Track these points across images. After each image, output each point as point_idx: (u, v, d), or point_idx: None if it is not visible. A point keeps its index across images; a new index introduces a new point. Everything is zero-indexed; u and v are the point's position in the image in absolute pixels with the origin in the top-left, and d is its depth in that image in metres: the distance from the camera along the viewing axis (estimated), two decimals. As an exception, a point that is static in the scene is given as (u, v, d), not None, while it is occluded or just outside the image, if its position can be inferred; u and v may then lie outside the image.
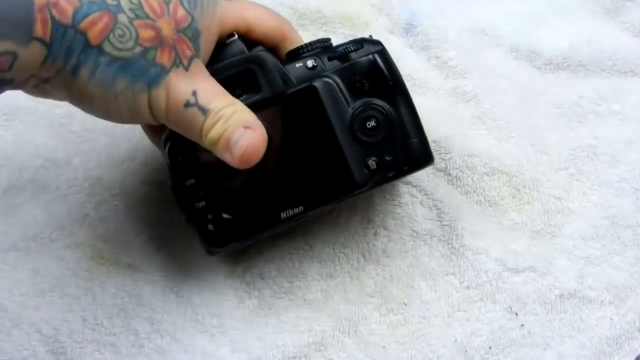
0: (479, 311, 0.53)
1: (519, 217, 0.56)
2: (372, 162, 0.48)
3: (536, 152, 0.59)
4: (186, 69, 0.42)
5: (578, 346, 0.52)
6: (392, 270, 0.54)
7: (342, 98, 0.47)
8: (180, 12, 0.41)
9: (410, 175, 0.57)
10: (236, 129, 0.42)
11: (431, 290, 0.54)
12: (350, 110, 0.48)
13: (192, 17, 0.42)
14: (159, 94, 0.41)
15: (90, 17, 0.38)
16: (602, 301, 0.54)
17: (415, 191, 0.57)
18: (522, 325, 0.53)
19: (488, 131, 0.59)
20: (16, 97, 0.61)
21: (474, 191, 0.57)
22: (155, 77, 0.40)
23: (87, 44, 0.38)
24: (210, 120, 0.42)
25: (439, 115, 0.60)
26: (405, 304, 0.53)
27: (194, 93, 0.42)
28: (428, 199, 0.56)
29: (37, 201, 0.57)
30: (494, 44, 0.63)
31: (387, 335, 0.52)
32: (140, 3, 0.39)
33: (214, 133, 0.42)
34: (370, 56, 0.48)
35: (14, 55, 0.36)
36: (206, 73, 0.44)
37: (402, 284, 0.54)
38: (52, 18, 0.37)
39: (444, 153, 0.58)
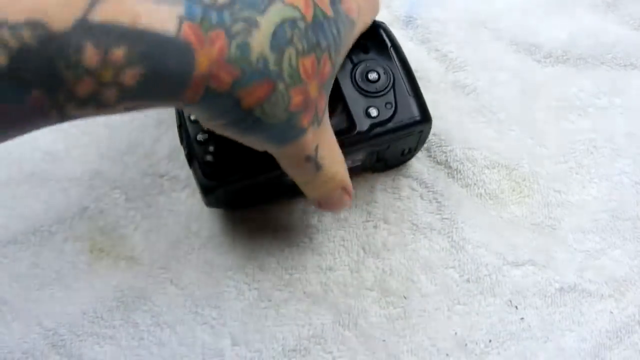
0: (479, 304, 0.53)
1: (519, 210, 0.56)
2: (372, 110, 0.48)
3: (536, 145, 0.58)
4: (319, 124, 0.41)
5: (578, 339, 0.52)
6: (392, 263, 0.54)
7: None
8: (328, 66, 0.40)
9: (410, 169, 0.57)
10: (337, 189, 0.45)
11: (431, 284, 0.54)
12: (353, 62, 0.49)
13: (334, 67, 0.41)
14: (286, 149, 0.40)
15: (250, 86, 0.35)
16: (602, 294, 0.54)
17: (416, 184, 0.57)
18: (522, 318, 0.53)
19: (488, 124, 0.59)
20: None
21: (474, 184, 0.57)
22: (290, 138, 0.39)
23: (236, 107, 0.35)
24: (320, 179, 0.44)
25: (439, 108, 0.60)
26: (405, 298, 0.53)
27: (316, 148, 0.41)
28: (428, 192, 0.56)
29: (36, 194, 0.56)
30: (494, 36, 0.63)
31: (387, 328, 0.52)
32: (297, 66, 0.37)
33: (319, 193, 0.45)
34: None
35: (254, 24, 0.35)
36: (328, 121, 0.43)
37: (402, 277, 0.54)
38: (207, 88, 0.34)
39: (444, 146, 0.58)
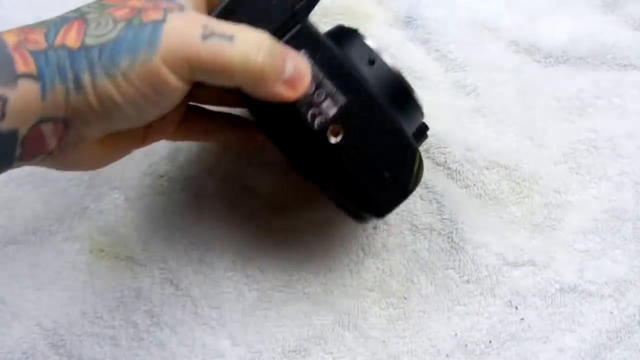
0: (479, 305, 0.53)
1: (519, 210, 0.56)
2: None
3: (536, 145, 0.58)
4: (181, 9, 0.38)
5: (578, 340, 0.52)
6: (392, 264, 0.54)
7: None
8: None
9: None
10: (278, 56, 0.39)
11: (431, 285, 0.54)
12: None
13: None
14: (169, 47, 0.36)
15: (61, 31, 0.37)
16: (602, 295, 0.54)
17: (415, 185, 0.57)
18: (522, 319, 0.53)
19: (487, 125, 0.59)
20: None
21: (474, 185, 0.57)
22: (152, 34, 0.36)
23: (70, 53, 0.36)
24: (242, 47, 0.37)
25: (439, 109, 0.60)
26: (405, 298, 0.53)
27: (206, 26, 0.37)
28: (428, 192, 0.56)
29: (36, 194, 0.56)
30: (493, 37, 0.63)
31: (387, 329, 0.52)
32: (101, 1, 0.39)
33: (258, 63, 0.38)
34: None
35: (3, 100, 0.34)
36: (204, 11, 0.41)
37: (402, 278, 0.54)
38: (30, 51, 0.35)
39: (444, 147, 0.58)
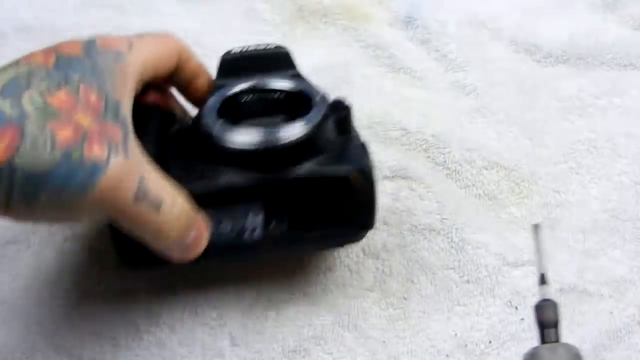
0: (479, 305, 0.53)
1: (519, 210, 0.56)
2: None
3: (535, 145, 0.59)
4: (126, 156, 0.36)
5: (578, 340, 0.52)
6: (392, 264, 0.54)
7: None
8: (93, 96, 0.37)
9: (409, 170, 0.57)
10: (192, 226, 0.41)
11: (431, 285, 0.54)
12: None
13: (106, 94, 0.37)
14: (99, 196, 0.35)
15: None
16: (602, 295, 0.54)
17: (415, 185, 0.56)
18: (522, 319, 0.53)
19: (487, 125, 0.59)
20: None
21: (473, 185, 0.57)
22: (88, 179, 0.35)
23: None
24: (163, 217, 0.38)
25: (438, 109, 0.60)
26: (404, 299, 0.53)
27: (141, 182, 0.37)
28: (427, 192, 0.56)
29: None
30: (493, 37, 0.63)
31: (387, 329, 0.52)
32: (47, 102, 0.34)
33: (171, 239, 0.40)
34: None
35: None
36: (144, 156, 0.39)
37: (402, 278, 0.54)
38: None
39: (443, 147, 0.58)
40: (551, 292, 0.44)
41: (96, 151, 0.35)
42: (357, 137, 0.48)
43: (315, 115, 0.44)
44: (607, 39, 0.63)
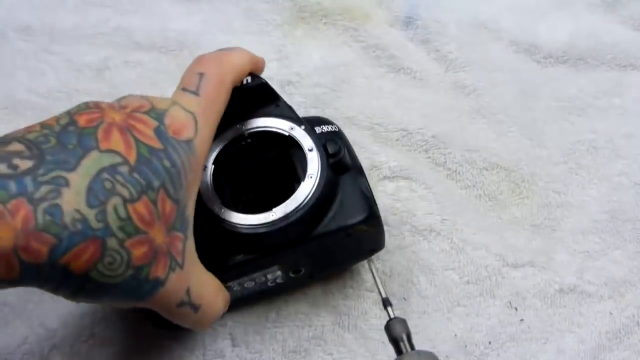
0: (479, 306, 0.53)
1: (519, 211, 0.56)
2: None
3: (535, 146, 0.59)
4: (181, 267, 0.38)
5: (577, 341, 0.52)
6: (392, 265, 0.54)
7: None
8: (168, 205, 0.36)
9: (409, 170, 0.57)
10: (217, 318, 0.44)
11: (431, 286, 0.54)
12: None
13: (179, 203, 0.37)
14: (151, 301, 0.37)
15: (72, 251, 0.32)
16: (602, 296, 0.54)
17: (415, 186, 0.57)
18: (522, 320, 0.53)
19: (487, 125, 0.59)
20: (16, 91, 0.62)
21: (474, 186, 0.57)
22: (148, 292, 0.36)
23: (68, 275, 0.32)
24: (200, 317, 0.41)
25: (439, 109, 0.60)
26: (405, 299, 0.53)
27: (187, 291, 0.39)
28: (428, 193, 0.56)
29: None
30: (494, 37, 0.63)
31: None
32: (129, 216, 0.34)
33: (200, 327, 0.43)
34: None
35: None
36: (194, 256, 0.40)
37: (402, 279, 0.54)
38: (21, 262, 0.30)
39: (444, 148, 0.58)
40: (394, 312, 0.45)
41: (160, 269, 0.36)
42: (354, 164, 0.48)
43: (313, 175, 0.44)
44: (607, 39, 0.63)
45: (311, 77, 0.62)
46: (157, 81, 0.63)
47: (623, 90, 0.61)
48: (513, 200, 0.57)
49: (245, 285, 0.48)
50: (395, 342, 0.43)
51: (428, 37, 0.63)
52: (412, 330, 0.52)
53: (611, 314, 0.53)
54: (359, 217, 0.45)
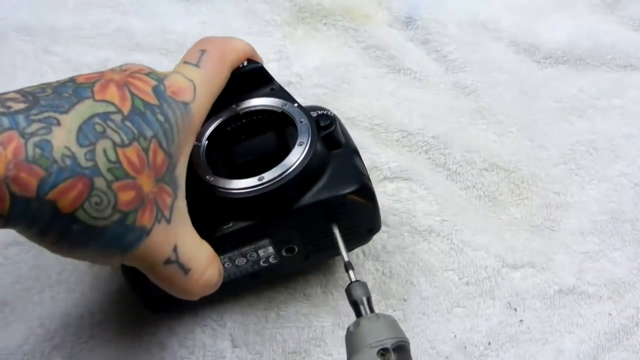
0: (478, 307, 0.53)
1: (518, 212, 0.57)
2: None
3: (535, 146, 0.59)
4: (168, 221, 0.38)
5: (577, 341, 0.52)
6: (392, 266, 0.54)
7: None
8: (160, 156, 0.37)
9: (409, 171, 0.57)
10: (212, 289, 0.42)
11: (430, 286, 0.54)
12: None
13: (171, 157, 0.38)
14: (134, 255, 0.37)
15: (60, 187, 0.32)
16: (601, 296, 0.54)
17: (415, 186, 0.57)
18: (521, 320, 0.53)
19: (487, 126, 0.59)
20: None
21: (474, 186, 0.57)
22: (133, 241, 0.36)
23: (56, 213, 0.33)
24: (192, 283, 0.40)
25: (439, 110, 0.60)
26: (404, 300, 0.53)
27: (175, 249, 0.38)
28: (428, 194, 0.56)
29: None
30: (493, 37, 0.64)
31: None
32: (118, 159, 0.34)
33: (192, 295, 0.41)
34: None
35: None
36: (185, 217, 0.40)
37: (402, 279, 0.54)
38: (11, 193, 0.31)
39: (444, 148, 0.58)
40: (355, 275, 0.45)
41: (146, 218, 0.36)
42: (348, 143, 0.48)
43: (304, 142, 0.44)
44: (607, 40, 0.63)
45: (311, 77, 0.62)
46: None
47: (623, 91, 0.61)
48: (513, 200, 0.57)
49: (237, 262, 0.47)
50: (355, 304, 0.43)
51: (428, 38, 0.63)
52: (412, 331, 0.52)
53: (610, 314, 0.53)
54: (351, 187, 0.45)
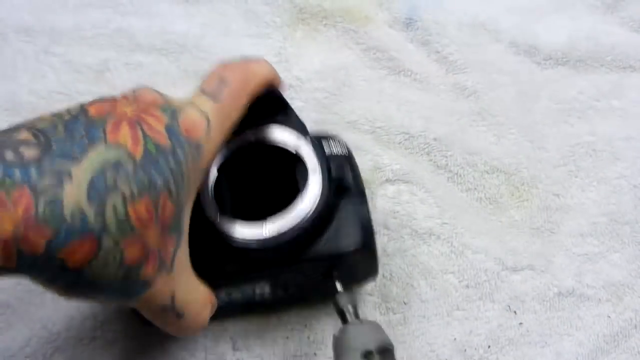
0: (478, 310, 0.53)
1: (518, 214, 0.57)
2: None
3: (535, 148, 0.59)
4: (169, 271, 0.38)
5: (576, 344, 0.52)
6: (392, 268, 0.54)
7: None
8: (168, 208, 0.36)
9: (410, 173, 0.57)
10: (202, 329, 0.43)
11: (431, 289, 0.54)
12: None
13: (178, 205, 0.37)
14: (137, 300, 0.37)
15: (68, 246, 0.32)
16: (600, 299, 0.54)
17: (416, 189, 0.57)
18: (521, 323, 0.53)
19: (488, 128, 0.60)
20: (18, 93, 0.62)
21: (475, 189, 0.57)
22: (136, 292, 0.36)
23: (63, 269, 0.32)
24: (184, 325, 0.41)
25: (440, 112, 0.60)
26: (404, 303, 0.54)
27: (172, 298, 0.39)
28: (428, 197, 0.56)
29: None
30: (493, 39, 0.63)
31: (387, 334, 0.53)
32: (127, 215, 0.33)
33: (184, 334, 0.43)
34: None
35: None
36: (186, 264, 0.40)
37: (402, 282, 0.54)
38: (19, 251, 0.30)
39: (445, 150, 0.58)
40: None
41: (150, 270, 0.36)
42: (357, 186, 0.48)
43: (314, 194, 0.44)
44: (607, 41, 0.63)
45: (311, 80, 0.62)
46: (158, 83, 0.62)
47: (623, 92, 0.61)
48: (513, 203, 0.57)
49: (232, 295, 0.48)
50: (341, 313, 0.44)
51: (428, 39, 0.63)
52: (412, 334, 0.52)
53: (609, 317, 0.53)
54: (354, 246, 0.45)
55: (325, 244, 0.45)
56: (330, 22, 0.64)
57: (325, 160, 0.45)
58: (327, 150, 0.47)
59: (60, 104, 0.57)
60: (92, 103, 0.36)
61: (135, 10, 0.67)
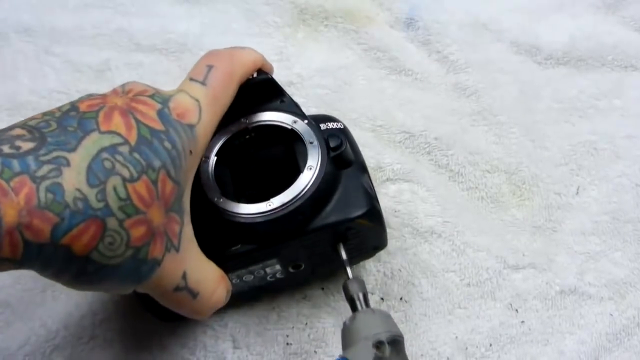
0: (480, 308, 0.53)
1: (520, 213, 0.57)
2: None
3: (536, 147, 0.59)
4: (177, 250, 0.38)
5: (578, 342, 0.52)
6: (393, 267, 0.54)
7: None
8: (168, 186, 0.36)
9: (411, 172, 0.57)
10: (219, 307, 0.43)
11: (432, 288, 0.54)
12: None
13: (179, 184, 0.38)
14: (148, 283, 0.37)
15: (73, 231, 0.32)
16: (602, 297, 0.54)
17: (417, 188, 0.57)
18: (523, 321, 0.53)
19: (489, 127, 0.59)
20: (19, 92, 0.62)
21: (476, 187, 0.57)
22: (146, 273, 0.36)
23: (70, 256, 0.32)
24: (200, 305, 0.41)
25: (441, 111, 0.60)
26: (406, 301, 0.53)
27: (184, 276, 0.39)
28: (430, 195, 0.56)
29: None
30: (494, 38, 0.64)
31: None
32: (129, 196, 0.34)
33: (200, 315, 0.43)
34: None
35: None
36: (192, 242, 0.41)
37: (403, 280, 0.54)
38: (25, 240, 0.30)
39: (446, 149, 0.58)
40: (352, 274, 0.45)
41: (157, 249, 0.36)
42: (357, 160, 0.48)
43: (313, 166, 0.44)
44: (608, 40, 0.63)
45: (312, 79, 0.62)
46: (158, 83, 0.62)
47: (624, 92, 0.61)
48: (514, 201, 0.57)
49: (244, 278, 0.48)
50: (351, 300, 0.44)
51: (429, 39, 0.63)
52: (413, 332, 0.52)
53: (611, 315, 0.53)
54: (359, 211, 0.45)
55: (331, 213, 0.44)
56: (331, 23, 0.64)
57: (322, 133, 0.46)
58: (322, 126, 0.48)
59: (61, 104, 0.58)
60: (82, 100, 0.37)
61: (135, 10, 0.67)
